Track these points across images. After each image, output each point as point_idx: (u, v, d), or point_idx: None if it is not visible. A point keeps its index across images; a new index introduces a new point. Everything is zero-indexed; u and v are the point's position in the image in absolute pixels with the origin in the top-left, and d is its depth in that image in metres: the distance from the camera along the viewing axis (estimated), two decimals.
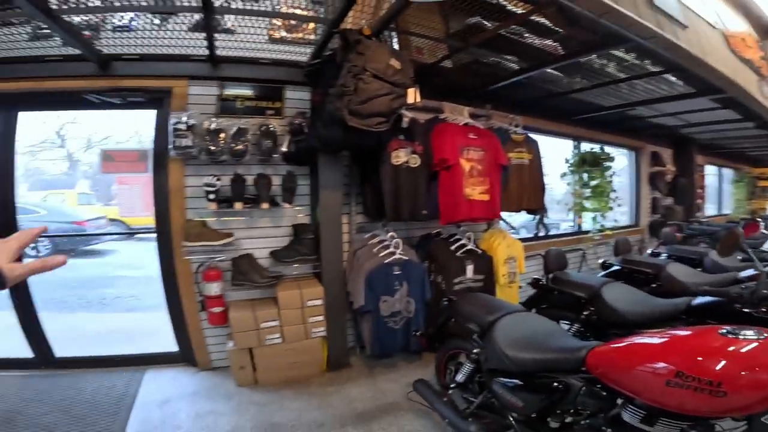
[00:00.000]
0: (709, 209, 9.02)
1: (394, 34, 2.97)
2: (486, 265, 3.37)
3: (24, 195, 2.84)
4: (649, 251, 4.86)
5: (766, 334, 1.19)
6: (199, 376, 3.05)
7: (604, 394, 1.50)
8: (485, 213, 3.34)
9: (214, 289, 2.90)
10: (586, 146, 5.42)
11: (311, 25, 2.76)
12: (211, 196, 2.80)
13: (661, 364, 1.24)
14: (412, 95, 2.52)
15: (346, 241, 3.30)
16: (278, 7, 2.35)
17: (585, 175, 5.26)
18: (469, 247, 3.30)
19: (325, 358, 3.13)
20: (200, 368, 3.13)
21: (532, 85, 3.77)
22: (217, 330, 3.07)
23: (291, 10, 2.42)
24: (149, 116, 3.05)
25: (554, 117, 4.90)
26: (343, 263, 3.19)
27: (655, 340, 1.38)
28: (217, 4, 2.25)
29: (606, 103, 4.47)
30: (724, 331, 1.23)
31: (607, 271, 3.67)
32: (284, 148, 2.95)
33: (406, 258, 3.03)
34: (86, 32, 2.48)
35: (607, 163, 5.15)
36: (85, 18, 2.38)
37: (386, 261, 2.95)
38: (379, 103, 2.36)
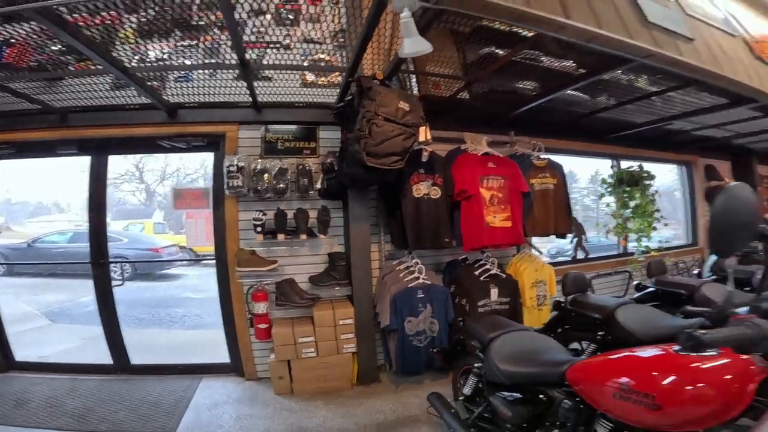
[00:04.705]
0: None
1: (412, 75, 3.29)
2: (511, 288, 3.52)
3: (108, 224, 3.54)
4: (696, 271, 4.69)
5: (716, 353, 1.20)
6: (245, 385, 3.47)
7: (582, 407, 1.63)
8: (508, 239, 3.51)
9: (261, 308, 3.32)
10: (627, 164, 5.36)
11: None
12: (258, 229, 3.26)
13: (614, 378, 1.38)
14: (423, 133, 2.83)
15: (376, 268, 3.63)
16: (307, 54, 2.71)
17: (625, 196, 5.19)
18: (493, 271, 3.48)
19: (355, 373, 3.42)
20: (247, 378, 3.54)
21: (556, 108, 3.88)
22: (263, 345, 3.48)
23: (318, 56, 2.79)
24: (210, 156, 3.63)
25: (588, 137, 4.93)
26: (373, 287, 3.51)
27: (619, 356, 1.52)
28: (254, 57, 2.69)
29: (639, 119, 4.45)
30: (678, 348, 1.27)
31: (642, 293, 3.66)
32: (318, 186, 3.37)
33: (430, 282, 3.28)
34: (155, 83, 2.99)
35: (648, 182, 5.05)
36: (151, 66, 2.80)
37: (410, 285, 3.22)
38: (393, 143, 2.69)
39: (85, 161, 3.57)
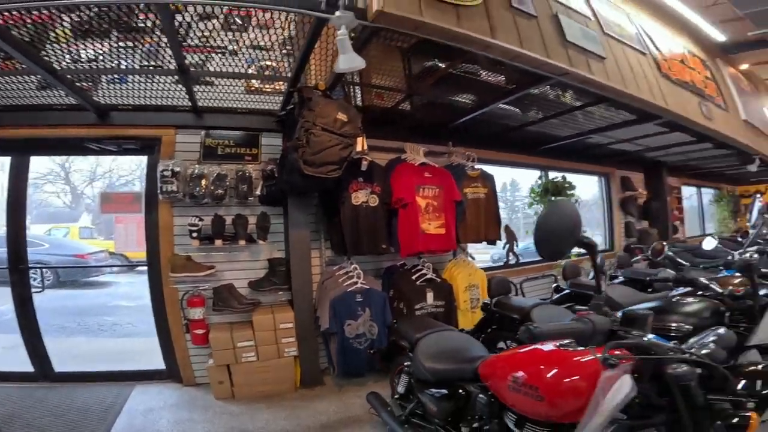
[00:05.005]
0: (693, 230, 9.29)
1: (356, 83, 3.37)
2: (445, 292, 3.72)
3: (28, 228, 3.31)
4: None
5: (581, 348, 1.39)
6: (182, 390, 3.39)
7: (493, 401, 1.73)
8: (442, 245, 3.72)
9: (197, 313, 3.28)
10: (554, 175, 5.81)
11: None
12: (194, 235, 3.22)
13: (512, 372, 1.52)
14: (360, 144, 2.95)
15: (317, 273, 3.70)
16: (253, 61, 2.72)
17: None
18: (428, 276, 3.67)
19: (298, 376, 3.46)
20: (184, 384, 3.46)
21: (490, 121, 4.16)
22: (200, 350, 3.42)
23: (265, 62, 2.81)
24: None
25: (519, 149, 5.30)
26: (313, 292, 3.59)
27: (517, 352, 1.68)
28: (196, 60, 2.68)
29: (563, 133, 4.86)
30: (560, 343, 1.43)
31: (559, 294, 4.01)
32: (258, 192, 3.38)
33: (368, 287, 3.40)
34: (85, 84, 2.86)
35: (570, 191, 5.51)
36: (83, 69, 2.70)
37: (349, 289, 3.32)
38: (330, 153, 2.80)
39: (3, 160, 3.36)
